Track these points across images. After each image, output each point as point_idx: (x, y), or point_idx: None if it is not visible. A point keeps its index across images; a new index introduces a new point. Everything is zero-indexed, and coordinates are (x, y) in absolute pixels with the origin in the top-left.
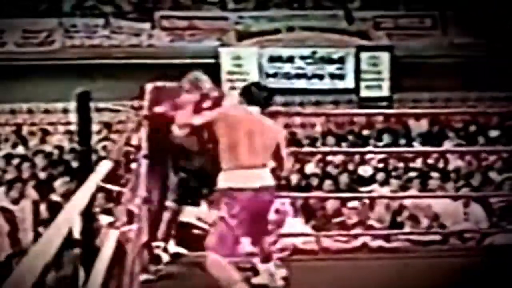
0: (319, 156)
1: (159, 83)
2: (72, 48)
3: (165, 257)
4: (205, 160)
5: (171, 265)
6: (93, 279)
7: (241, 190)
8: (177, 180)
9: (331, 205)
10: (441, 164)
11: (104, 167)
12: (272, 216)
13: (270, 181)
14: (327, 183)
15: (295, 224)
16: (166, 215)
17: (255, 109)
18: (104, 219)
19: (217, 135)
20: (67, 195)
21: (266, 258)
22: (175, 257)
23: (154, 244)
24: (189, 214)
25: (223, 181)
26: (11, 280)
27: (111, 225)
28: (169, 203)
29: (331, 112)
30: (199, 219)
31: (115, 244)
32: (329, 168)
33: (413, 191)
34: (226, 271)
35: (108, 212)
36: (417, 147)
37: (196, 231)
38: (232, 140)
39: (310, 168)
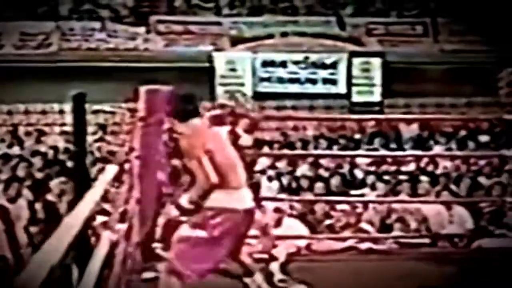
0: (311, 159)
1: (153, 86)
2: (68, 51)
3: (165, 254)
4: None
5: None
6: (86, 280)
7: (224, 211)
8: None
9: (321, 207)
10: (430, 168)
11: (110, 172)
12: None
13: (251, 203)
14: (318, 186)
15: (290, 225)
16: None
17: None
18: (98, 219)
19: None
20: (62, 195)
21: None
22: None
23: (153, 245)
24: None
25: (209, 200)
26: (18, 282)
27: (105, 225)
28: (172, 211)
29: (323, 116)
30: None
31: (108, 244)
32: (321, 171)
33: (403, 195)
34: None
35: (103, 212)
36: (408, 151)
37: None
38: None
39: (302, 170)
